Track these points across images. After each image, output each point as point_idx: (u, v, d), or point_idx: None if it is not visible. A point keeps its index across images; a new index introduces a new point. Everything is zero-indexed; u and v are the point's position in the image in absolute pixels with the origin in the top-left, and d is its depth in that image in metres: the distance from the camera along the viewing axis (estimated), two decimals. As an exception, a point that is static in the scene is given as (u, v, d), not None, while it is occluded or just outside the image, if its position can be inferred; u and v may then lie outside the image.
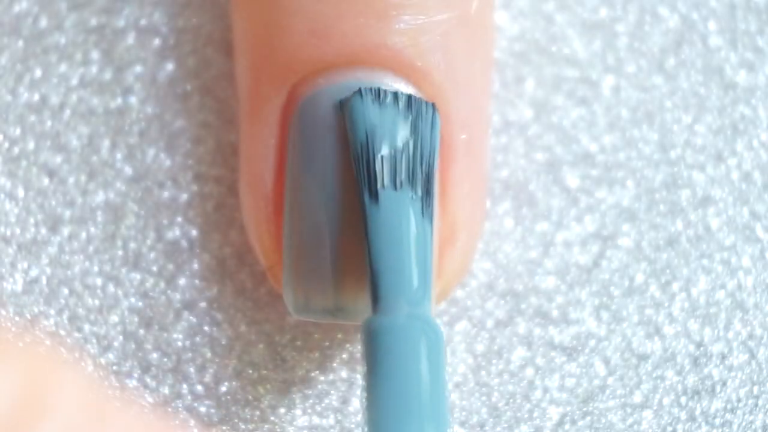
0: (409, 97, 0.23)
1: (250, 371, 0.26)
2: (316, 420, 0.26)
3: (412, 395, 0.21)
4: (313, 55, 0.23)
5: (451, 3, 0.23)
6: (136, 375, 0.26)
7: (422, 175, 0.22)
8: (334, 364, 0.26)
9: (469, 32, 0.24)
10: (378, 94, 0.23)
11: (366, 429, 0.21)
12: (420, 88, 0.23)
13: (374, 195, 0.22)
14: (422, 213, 0.22)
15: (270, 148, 0.24)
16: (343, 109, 0.23)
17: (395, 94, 0.23)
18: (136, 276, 0.26)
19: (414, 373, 0.21)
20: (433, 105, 0.23)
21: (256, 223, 0.24)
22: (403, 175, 0.22)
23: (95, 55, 0.27)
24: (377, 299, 0.22)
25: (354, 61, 0.23)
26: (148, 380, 0.26)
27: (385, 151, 0.22)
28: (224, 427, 0.25)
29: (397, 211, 0.22)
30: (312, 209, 0.23)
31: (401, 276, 0.22)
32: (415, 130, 0.23)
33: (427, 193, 0.22)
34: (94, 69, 0.27)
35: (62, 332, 0.26)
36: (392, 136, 0.23)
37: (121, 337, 0.26)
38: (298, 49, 0.23)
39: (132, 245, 0.26)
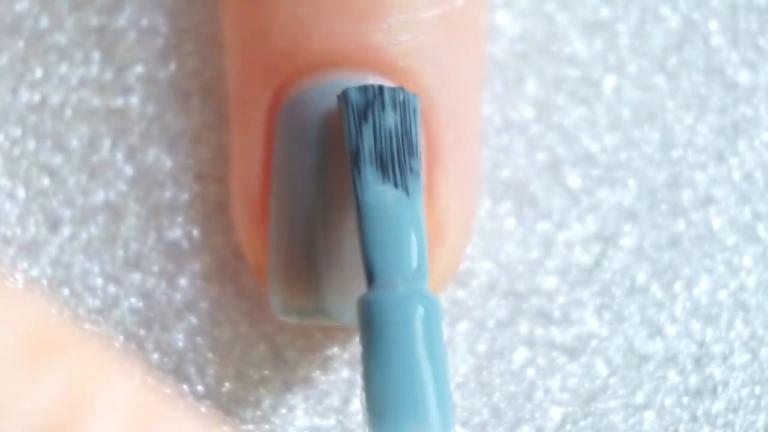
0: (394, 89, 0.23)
1: (251, 372, 0.26)
2: (317, 420, 0.26)
3: (411, 368, 0.21)
4: (297, 56, 0.23)
5: (436, 0, 0.23)
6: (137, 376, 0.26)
7: (410, 158, 0.22)
8: (335, 365, 0.26)
9: (455, 29, 0.24)
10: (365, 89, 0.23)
11: (366, 405, 0.21)
12: (404, 86, 0.23)
13: (363, 177, 0.22)
14: (416, 193, 0.22)
15: (257, 151, 0.24)
16: (339, 102, 0.23)
17: (380, 87, 0.23)
18: (137, 276, 0.26)
19: (412, 345, 0.21)
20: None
21: (245, 225, 0.24)
22: (393, 158, 0.22)
23: (96, 55, 0.27)
24: (373, 278, 0.22)
25: (336, 61, 0.23)
26: (149, 381, 0.26)
27: (371, 136, 0.22)
28: (225, 428, 0.25)
29: (390, 192, 0.22)
30: (296, 210, 0.23)
31: (399, 255, 0.22)
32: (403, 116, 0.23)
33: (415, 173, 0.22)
34: (94, 69, 0.27)
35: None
36: (380, 123, 0.23)
37: (122, 338, 0.26)
38: (281, 50, 0.23)
39: (133, 245, 0.26)
